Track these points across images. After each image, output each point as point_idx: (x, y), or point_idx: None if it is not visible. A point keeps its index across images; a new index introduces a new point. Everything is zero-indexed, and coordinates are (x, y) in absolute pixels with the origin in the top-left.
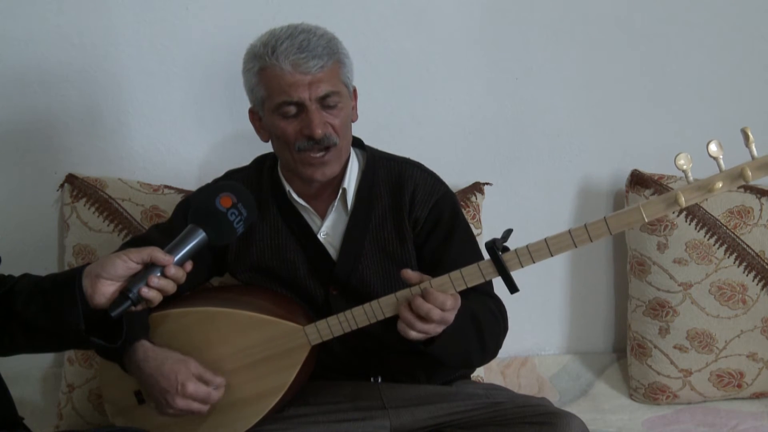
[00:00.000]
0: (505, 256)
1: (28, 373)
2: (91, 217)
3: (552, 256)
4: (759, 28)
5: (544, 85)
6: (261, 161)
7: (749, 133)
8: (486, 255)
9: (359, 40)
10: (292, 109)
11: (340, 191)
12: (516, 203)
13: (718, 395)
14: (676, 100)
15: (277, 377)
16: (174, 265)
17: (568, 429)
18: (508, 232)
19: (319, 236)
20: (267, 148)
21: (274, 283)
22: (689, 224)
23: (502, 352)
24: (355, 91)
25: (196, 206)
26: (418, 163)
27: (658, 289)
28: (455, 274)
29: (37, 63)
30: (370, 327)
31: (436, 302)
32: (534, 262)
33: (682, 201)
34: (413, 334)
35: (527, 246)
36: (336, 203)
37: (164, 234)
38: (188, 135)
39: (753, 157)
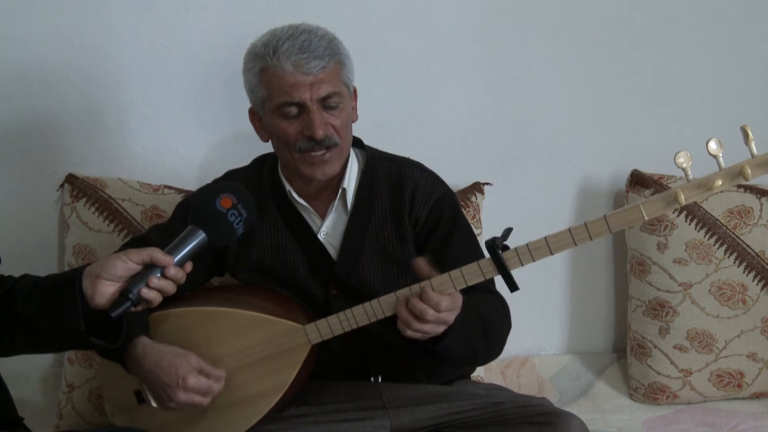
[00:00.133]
0: (506, 255)
1: (28, 373)
2: (91, 217)
3: (552, 254)
4: (759, 28)
5: (544, 85)
6: (261, 161)
7: (749, 131)
8: (486, 254)
9: (359, 40)
10: (293, 110)
11: (340, 191)
12: (516, 203)
13: (718, 395)
14: (676, 100)
15: (277, 377)
16: (174, 265)
17: (568, 429)
18: (508, 231)
19: (319, 236)
20: (267, 148)
21: (274, 283)
22: (689, 224)
23: (502, 352)
24: (355, 91)
25: (196, 207)
26: (417, 162)
27: (658, 289)
28: (455, 272)
29: (37, 63)
30: (370, 326)
31: (431, 302)
32: (534, 261)
33: (682, 199)
34: (410, 333)
35: (527, 244)
36: (336, 203)
37: (164, 234)
38: (188, 135)
39: (752, 155)
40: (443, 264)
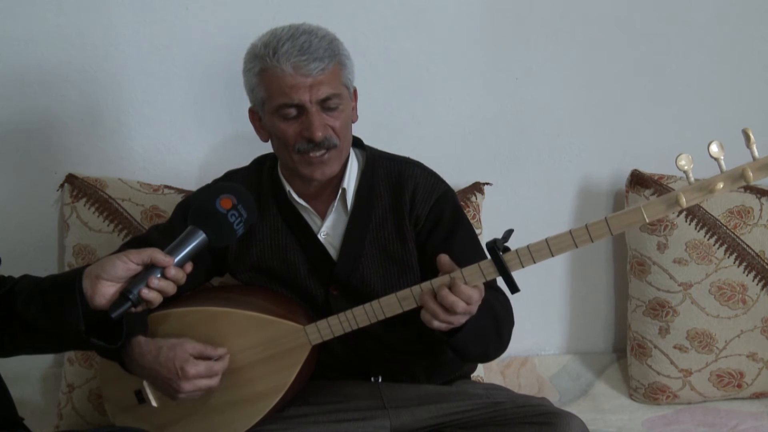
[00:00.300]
0: (506, 256)
1: (28, 373)
2: (91, 217)
3: (553, 256)
4: (759, 28)
5: (544, 85)
6: (261, 161)
7: (750, 134)
8: (487, 255)
9: (359, 40)
10: (293, 111)
11: (340, 191)
12: (516, 203)
13: (718, 395)
14: (676, 100)
15: (278, 377)
16: (174, 266)
17: (568, 429)
18: (508, 233)
19: (319, 236)
20: (267, 148)
21: (275, 283)
22: (689, 224)
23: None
24: (355, 91)
25: (196, 207)
26: (417, 162)
27: (658, 289)
28: (456, 274)
29: (37, 63)
30: (370, 327)
31: (463, 296)
32: (535, 262)
33: (683, 202)
34: (436, 324)
35: (528, 246)
36: (336, 203)
37: (164, 234)
38: (188, 135)
39: (754, 158)
40: None
